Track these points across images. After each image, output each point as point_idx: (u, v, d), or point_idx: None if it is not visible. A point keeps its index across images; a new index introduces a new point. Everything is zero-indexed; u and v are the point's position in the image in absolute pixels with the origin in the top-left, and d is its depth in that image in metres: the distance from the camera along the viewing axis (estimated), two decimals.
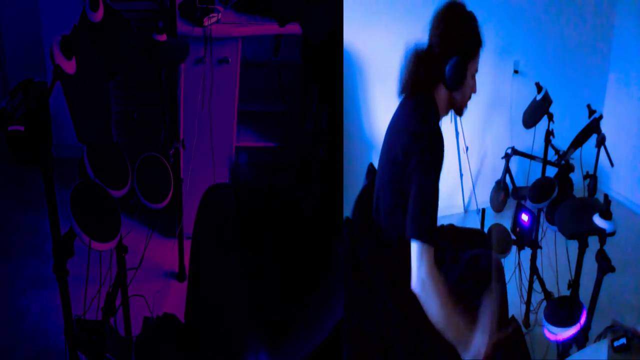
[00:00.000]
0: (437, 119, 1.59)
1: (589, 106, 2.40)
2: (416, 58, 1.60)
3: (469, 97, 1.64)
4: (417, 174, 1.48)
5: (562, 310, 1.99)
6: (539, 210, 2.29)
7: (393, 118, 1.66)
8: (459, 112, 1.66)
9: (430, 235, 1.44)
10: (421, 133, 1.50)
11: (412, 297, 1.64)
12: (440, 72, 1.56)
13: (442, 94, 1.60)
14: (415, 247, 1.45)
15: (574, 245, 1.97)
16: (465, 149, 3.34)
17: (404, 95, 1.64)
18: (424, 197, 1.46)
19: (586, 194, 2.46)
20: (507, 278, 1.77)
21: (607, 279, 1.81)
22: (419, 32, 1.62)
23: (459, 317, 1.46)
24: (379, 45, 2.85)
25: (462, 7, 1.57)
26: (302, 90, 1.82)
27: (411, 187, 1.49)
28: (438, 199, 1.47)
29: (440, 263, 1.54)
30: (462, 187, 3.48)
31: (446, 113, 1.65)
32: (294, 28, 2.65)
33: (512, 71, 3.37)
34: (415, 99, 1.58)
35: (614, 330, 1.53)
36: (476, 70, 1.61)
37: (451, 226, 1.92)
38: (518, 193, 2.38)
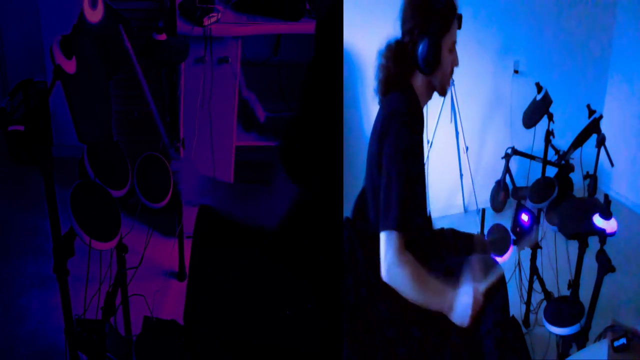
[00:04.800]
0: (416, 107, 1.54)
1: (588, 106, 2.40)
2: (388, 52, 1.57)
3: (451, 73, 1.59)
4: (385, 164, 1.45)
5: (562, 310, 1.99)
6: (539, 210, 2.29)
7: (375, 117, 1.65)
8: (443, 92, 1.61)
9: (397, 223, 1.40)
10: (391, 122, 1.46)
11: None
12: (413, 59, 1.52)
13: (419, 81, 1.56)
14: (381, 237, 1.42)
15: (574, 245, 1.97)
16: (465, 149, 3.34)
17: (381, 94, 1.61)
18: (391, 187, 1.42)
19: (586, 194, 2.45)
20: (507, 278, 1.77)
21: (607, 279, 1.81)
22: None
23: (437, 287, 1.44)
24: (379, 45, 2.85)
25: None
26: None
27: (381, 179, 1.46)
28: (414, 187, 1.43)
29: (438, 270, 1.53)
30: (462, 187, 3.48)
31: (428, 99, 1.61)
32: (293, 27, 2.67)
33: (512, 71, 3.37)
34: (392, 93, 1.56)
35: (614, 330, 1.53)
36: (454, 42, 1.56)
37: (452, 230, 1.91)
38: (518, 193, 2.38)
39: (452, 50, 1.57)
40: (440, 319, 1.63)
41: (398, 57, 1.56)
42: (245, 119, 1.97)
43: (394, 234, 1.40)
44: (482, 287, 1.46)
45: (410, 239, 1.42)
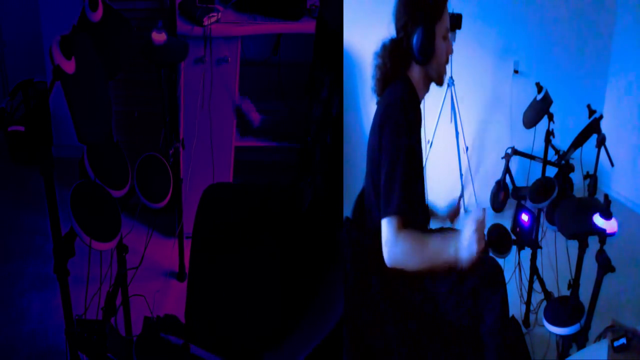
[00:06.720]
0: (413, 97, 1.56)
1: (589, 106, 2.40)
2: (383, 52, 1.59)
3: (447, 62, 1.60)
4: (386, 152, 1.46)
5: (562, 310, 1.99)
6: (539, 210, 2.29)
7: (375, 113, 1.65)
8: (440, 82, 1.62)
9: (398, 209, 1.40)
10: (390, 111, 1.48)
11: (410, 295, 1.64)
12: (408, 52, 1.54)
13: (416, 73, 1.58)
14: (382, 224, 1.42)
15: (574, 245, 1.97)
16: (465, 149, 3.34)
17: (379, 93, 1.62)
18: (393, 175, 1.43)
19: (586, 194, 2.46)
20: (507, 278, 1.77)
21: (607, 279, 1.81)
22: None
23: (438, 241, 1.43)
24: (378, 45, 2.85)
25: None
26: (308, 77, 1.79)
27: (381, 170, 1.47)
28: (414, 173, 1.44)
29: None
30: (462, 187, 3.48)
31: (426, 91, 1.62)
32: (293, 27, 2.67)
33: (512, 71, 3.37)
34: (390, 86, 1.57)
35: (614, 330, 1.53)
36: (447, 31, 1.58)
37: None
38: (518, 193, 2.38)
39: (446, 38, 1.58)
40: (440, 319, 1.63)
41: (394, 53, 1.57)
42: (239, 124, 1.95)
43: (394, 219, 1.41)
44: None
45: (410, 221, 1.42)
